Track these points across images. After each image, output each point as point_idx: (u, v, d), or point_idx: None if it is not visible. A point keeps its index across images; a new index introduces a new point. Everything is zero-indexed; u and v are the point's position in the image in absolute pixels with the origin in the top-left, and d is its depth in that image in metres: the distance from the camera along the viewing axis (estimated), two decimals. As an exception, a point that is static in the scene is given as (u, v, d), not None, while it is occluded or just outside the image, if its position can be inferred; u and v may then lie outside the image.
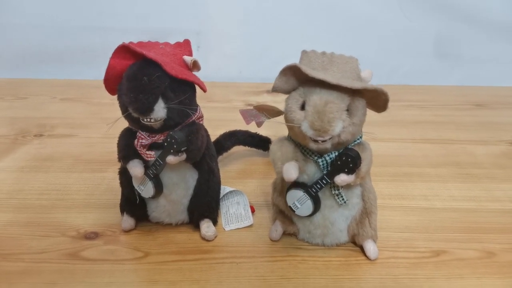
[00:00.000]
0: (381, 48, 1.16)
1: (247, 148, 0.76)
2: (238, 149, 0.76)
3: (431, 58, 1.19)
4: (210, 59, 1.14)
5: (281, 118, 0.48)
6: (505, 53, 1.17)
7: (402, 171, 0.72)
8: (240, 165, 0.74)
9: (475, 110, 1.00)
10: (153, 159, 0.49)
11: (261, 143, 0.74)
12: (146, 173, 0.50)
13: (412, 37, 1.16)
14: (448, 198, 0.64)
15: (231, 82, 1.16)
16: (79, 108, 0.98)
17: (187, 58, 0.49)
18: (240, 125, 0.73)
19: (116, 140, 0.52)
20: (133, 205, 0.54)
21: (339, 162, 0.44)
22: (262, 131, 0.74)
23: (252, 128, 0.70)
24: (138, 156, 0.50)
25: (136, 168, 0.49)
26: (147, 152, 0.49)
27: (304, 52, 0.46)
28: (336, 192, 0.47)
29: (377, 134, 0.46)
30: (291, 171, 0.46)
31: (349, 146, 0.46)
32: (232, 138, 0.72)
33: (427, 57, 1.18)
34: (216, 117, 0.92)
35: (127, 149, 0.50)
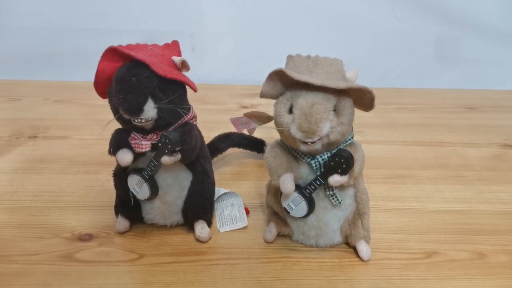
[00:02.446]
0: (373, 51, 1.17)
1: (241, 150, 0.76)
2: (232, 151, 0.76)
3: (423, 61, 1.20)
4: (204, 61, 1.14)
5: (271, 124, 0.49)
6: (496, 56, 1.18)
7: (394, 173, 0.73)
8: (235, 167, 0.74)
9: (466, 113, 1.02)
10: (148, 149, 0.49)
11: (256, 145, 0.75)
12: (141, 175, 0.50)
13: (404, 41, 1.17)
14: (440, 200, 0.65)
15: (225, 84, 1.17)
16: (73, 109, 0.98)
17: (175, 58, 0.50)
18: (234, 127, 0.74)
19: (110, 142, 0.52)
20: (127, 206, 0.54)
21: (332, 163, 0.45)
22: (256, 133, 0.74)
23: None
24: (129, 147, 0.50)
25: (125, 154, 0.49)
26: (143, 143, 0.49)
27: (289, 57, 0.47)
28: (331, 192, 0.48)
29: (367, 135, 0.46)
30: (287, 186, 0.46)
31: (341, 147, 0.47)
32: (227, 140, 0.72)
33: (419, 60, 1.19)
34: (211, 119, 0.92)
35: (118, 141, 0.50)
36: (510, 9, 1.14)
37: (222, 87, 1.14)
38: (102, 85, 0.49)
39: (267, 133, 0.76)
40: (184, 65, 0.50)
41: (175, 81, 0.48)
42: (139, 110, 0.45)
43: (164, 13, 1.13)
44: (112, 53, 0.47)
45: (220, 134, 0.73)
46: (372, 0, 1.14)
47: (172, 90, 0.48)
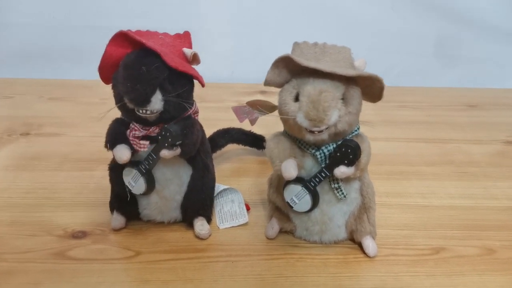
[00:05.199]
0: (374, 49, 1.15)
1: (241, 146, 0.74)
2: (231, 147, 0.74)
3: (424, 60, 1.18)
4: (202, 59, 1.12)
5: (275, 114, 0.47)
6: (497, 55, 1.17)
7: (398, 169, 0.71)
8: (234, 164, 0.72)
9: (468, 110, 1.00)
10: (145, 149, 0.47)
11: (256, 141, 0.73)
12: (137, 168, 0.48)
13: (405, 39, 1.16)
14: (445, 196, 0.63)
15: (224, 82, 1.15)
16: (68, 107, 0.96)
17: (187, 51, 0.48)
18: (233, 124, 0.72)
19: (106, 139, 0.50)
20: (123, 202, 0.52)
21: (338, 154, 0.43)
22: (257, 130, 0.72)
23: (246, 126, 0.68)
24: (127, 143, 0.48)
25: (123, 151, 0.47)
26: (141, 142, 0.47)
27: (295, 44, 0.45)
28: (336, 185, 0.46)
29: (374, 125, 0.44)
30: (290, 170, 0.44)
31: (347, 138, 0.45)
32: (226, 136, 0.70)
33: (420, 58, 1.18)
34: (209, 116, 0.89)
35: (116, 135, 0.48)
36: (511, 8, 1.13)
37: (221, 85, 1.12)
38: (107, 70, 0.47)
39: (268, 129, 0.74)
40: (195, 58, 0.48)
41: (185, 74, 0.46)
42: (146, 101, 0.43)
43: (162, 11, 1.11)
44: (122, 38, 0.45)
45: (219, 130, 0.71)
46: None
47: (181, 84, 0.46)
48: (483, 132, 0.87)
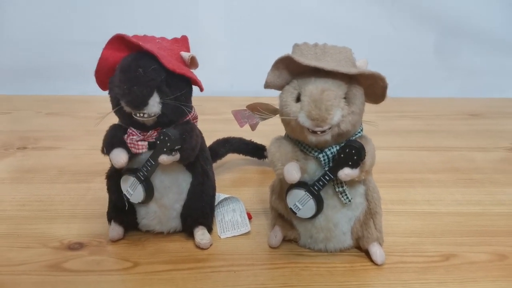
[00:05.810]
0: (371, 61, 1.15)
1: (241, 156, 0.73)
2: (232, 157, 0.73)
3: (423, 71, 1.18)
4: (201, 72, 1.12)
5: (276, 119, 0.46)
6: (497, 65, 1.17)
7: (402, 177, 0.69)
8: (235, 174, 0.71)
9: (469, 119, 0.99)
10: (144, 150, 0.46)
11: (256, 151, 0.71)
12: (135, 175, 0.47)
13: (402, 49, 1.16)
14: (452, 202, 0.61)
15: (223, 96, 1.14)
16: (65, 121, 0.95)
17: (184, 54, 0.47)
18: (232, 135, 0.71)
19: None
20: (121, 212, 0.50)
21: (342, 155, 0.42)
22: (257, 139, 0.71)
23: (246, 134, 0.67)
24: (124, 147, 0.46)
25: (120, 155, 0.45)
26: (139, 143, 0.46)
27: (295, 45, 0.44)
28: (340, 189, 0.44)
29: (378, 126, 0.43)
30: (292, 172, 0.43)
31: (350, 139, 0.44)
32: (226, 145, 0.69)
33: (419, 69, 1.18)
34: (207, 128, 0.88)
35: (112, 139, 0.46)
36: (510, 19, 1.14)
37: (219, 99, 1.12)
38: (103, 75, 0.46)
39: (268, 140, 0.72)
40: (193, 62, 0.48)
41: (183, 77, 0.46)
42: (143, 104, 0.42)
43: (160, 25, 1.11)
44: (118, 41, 0.45)
45: (219, 139, 0.69)
46: (370, 10, 1.14)
47: (179, 87, 0.45)
48: (486, 140, 0.86)
